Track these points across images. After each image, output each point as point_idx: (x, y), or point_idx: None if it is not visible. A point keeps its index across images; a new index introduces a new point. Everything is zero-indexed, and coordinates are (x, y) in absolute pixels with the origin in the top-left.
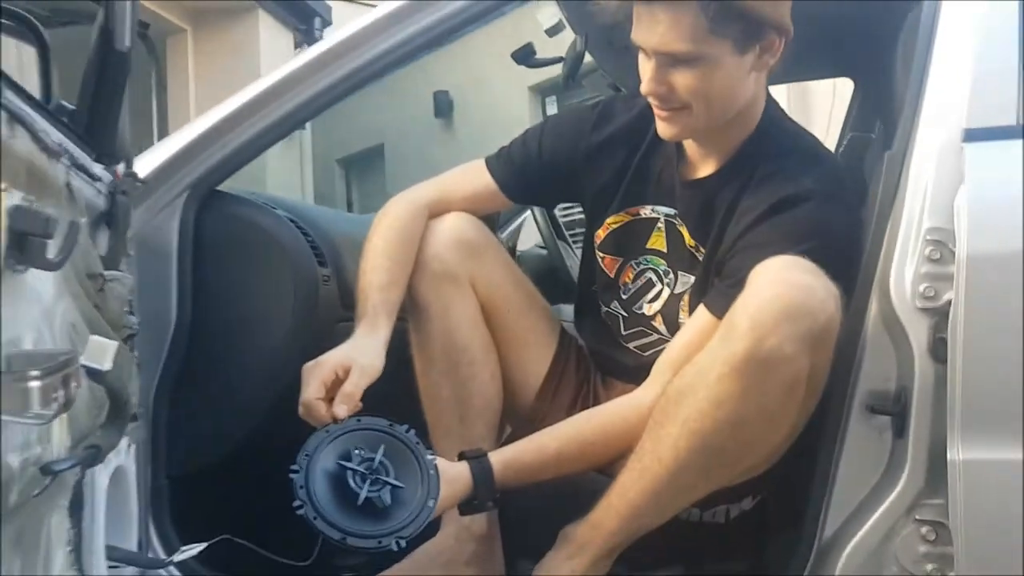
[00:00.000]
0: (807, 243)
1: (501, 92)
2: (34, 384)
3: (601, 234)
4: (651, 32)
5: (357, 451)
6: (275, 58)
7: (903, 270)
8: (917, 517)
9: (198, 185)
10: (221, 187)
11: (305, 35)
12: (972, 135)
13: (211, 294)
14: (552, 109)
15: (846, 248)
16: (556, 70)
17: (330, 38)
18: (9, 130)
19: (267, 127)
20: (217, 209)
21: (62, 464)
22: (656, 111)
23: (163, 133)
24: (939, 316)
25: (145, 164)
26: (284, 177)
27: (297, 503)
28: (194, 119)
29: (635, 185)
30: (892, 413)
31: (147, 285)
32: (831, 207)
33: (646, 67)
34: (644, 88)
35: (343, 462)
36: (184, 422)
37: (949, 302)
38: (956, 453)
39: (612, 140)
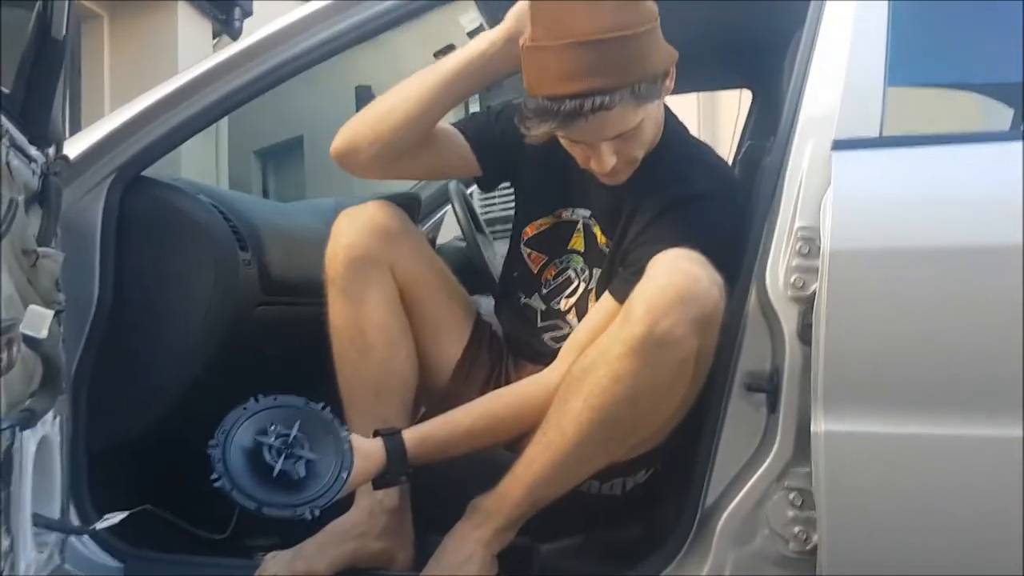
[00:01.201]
0: (698, 238)
1: None
2: None
3: (529, 231)
4: (597, 131)
5: (273, 427)
6: (193, 47)
7: (777, 263)
8: (786, 484)
9: (124, 169)
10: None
11: (225, 25)
12: (840, 144)
13: (134, 275)
14: (474, 107)
15: (731, 243)
16: None
17: (260, 31)
18: None
19: (194, 114)
20: (141, 193)
21: None
22: (605, 174)
23: (75, 119)
24: (807, 304)
25: (72, 148)
26: (200, 167)
27: (215, 476)
28: (109, 106)
29: (562, 187)
30: (767, 391)
31: (70, 265)
32: (719, 207)
33: (592, 151)
34: (601, 168)
35: (259, 437)
36: (104, 399)
37: (815, 292)
38: (819, 425)
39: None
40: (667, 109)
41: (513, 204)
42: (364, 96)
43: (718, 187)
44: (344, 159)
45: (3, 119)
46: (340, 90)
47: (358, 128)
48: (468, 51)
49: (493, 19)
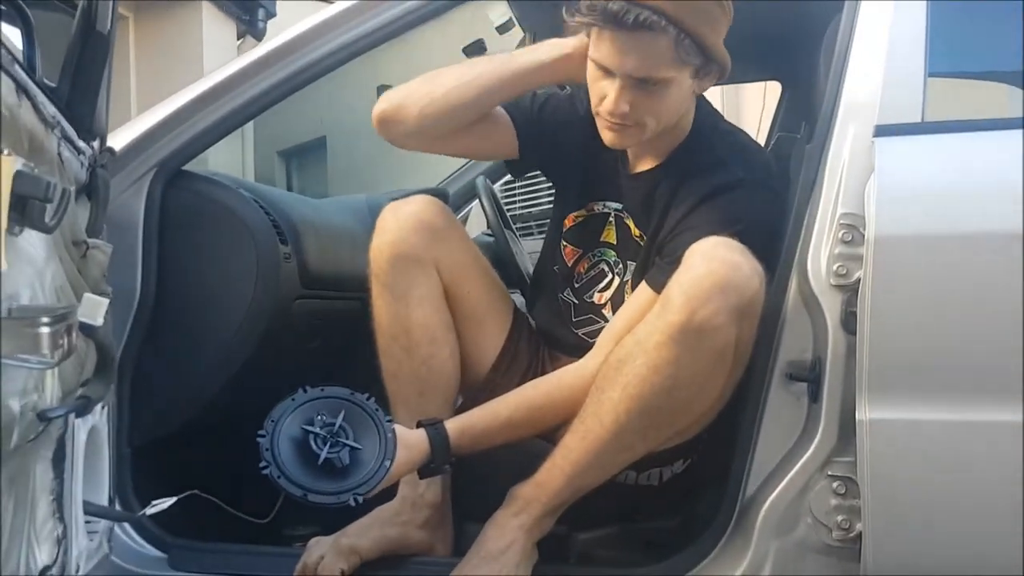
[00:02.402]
0: (737, 226)
1: None
2: (44, 330)
3: (567, 223)
4: (622, 57)
5: (319, 416)
6: (217, 48)
7: (819, 251)
8: (829, 473)
9: (165, 164)
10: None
11: (248, 26)
12: (882, 131)
13: (176, 268)
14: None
15: (771, 231)
16: None
17: (297, 26)
18: (17, 99)
19: (233, 110)
20: (183, 187)
21: (57, 411)
22: (606, 123)
23: None
24: (850, 292)
25: (116, 142)
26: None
27: (263, 464)
28: (135, 106)
29: (593, 180)
30: (808, 380)
31: (113, 258)
32: (759, 194)
33: (608, 87)
34: (608, 107)
35: (306, 427)
36: (146, 393)
37: (859, 279)
38: (863, 413)
39: (578, 131)
40: (702, 98)
41: (534, 200)
42: None
43: (755, 174)
44: (387, 124)
45: (55, 111)
46: (362, 91)
47: (411, 97)
48: (542, 54)
49: (523, 14)
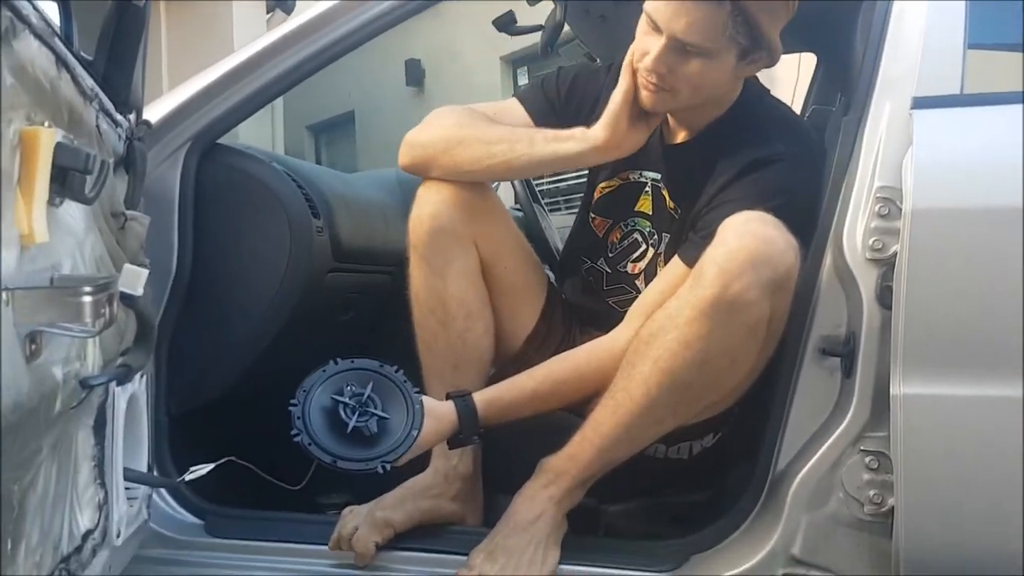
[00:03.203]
0: (775, 200)
1: (473, 61)
2: (86, 299)
3: (597, 194)
4: (675, 18)
5: (348, 387)
6: (248, 30)
7: (855, 225)
8: (862, 448)
9: (199, 138)
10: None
11: (278, 1)
12: (920, 103)
13: (211, 240)
14: (524, 80)
15: (810, 206)
16: (528, 40)
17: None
18: (56, 72)
19: (267, 83)
20: (218, 161)
21: (98, 379)
22: (644, 82)
23: None
24: (886, 266)
25: (150, 116)
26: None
27: (294, 432)
28: (167, 81)
29: None
30: (842, 355)
31: (150, 230)
32: (798, 169)
33: (653, 44)
34: (648, 64)
35: (336, 396)
36: (183, 364)
37: (895, 254)
38: (898, 388)
39: None
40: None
41: (562, 175)
42: (414, 69)
43: (797, 148)
44: (412, 172)
45: (92, 84)
46: (390, 65)
47: (430, 162)
48: (564, 148)
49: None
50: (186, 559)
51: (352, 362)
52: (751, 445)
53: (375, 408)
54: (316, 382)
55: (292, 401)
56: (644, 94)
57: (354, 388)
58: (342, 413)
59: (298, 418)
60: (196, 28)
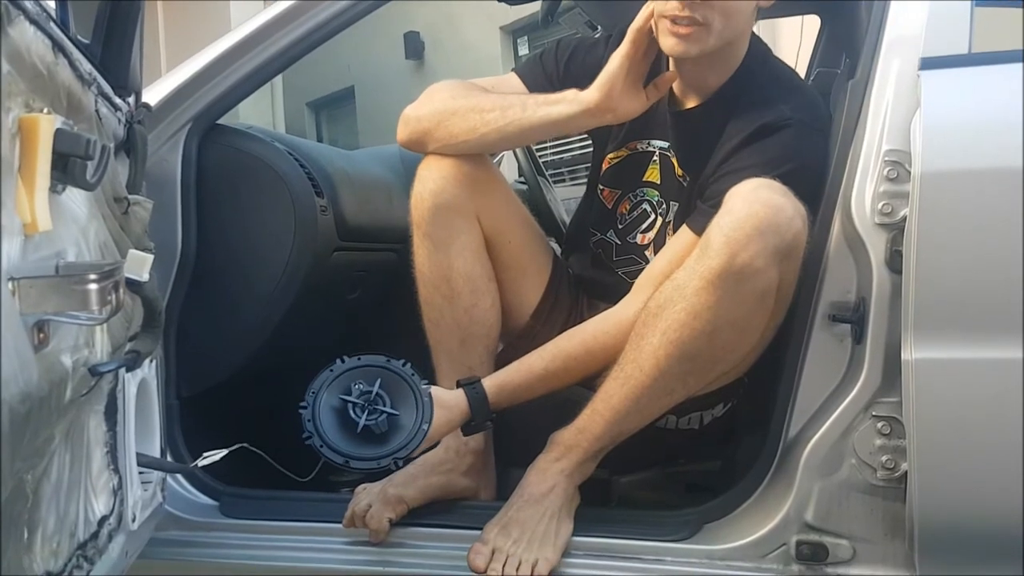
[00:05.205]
0: (783, 167)
1: (472, 33)
2: (92, 287)
3: (605, 165)
4: None
5: (356, 385)
6: (245, 10)
7: (864, 189)
8: (874, 414)
9: (200, 118)
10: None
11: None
12: (928, 63)
13: (215, 222)
14: (524, 50)
15: (818, 172)
16: (528, 10)
17: None
18: (54, 57)
19: (265, 61)
20: (218, 141)
21: (108, 366)
22: (673, 28)
23: None
24: (896, 231)
25: (149, 98)
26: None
27: (305, 434)
28: (164, 64)
29: (637, 118)
30: (852, 321)
31: (153, 214)
32: (805, 134)
33: None
34: (680, 10)
35: (344, 396)
36: (191, 346)
37: (904, 218)
38: (909, 353)
39: None
40: (754, 35)
41: (566, 146)
42: (413, 42)
43: (805, 113)
44: (410, 148)
45: (90, 68)
46: (389, 39)
47: (426, 136)
48: (555, 111)
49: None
50: (202, 540)
51: (359, 359)
52: (762, 414)
53: (384, 405)
54: (324, 382)
55: (301, 403)
56: (672, 41)
57: (362, 386)
58: (351, 412)
59: (308, 420)
60: (195, 28)
